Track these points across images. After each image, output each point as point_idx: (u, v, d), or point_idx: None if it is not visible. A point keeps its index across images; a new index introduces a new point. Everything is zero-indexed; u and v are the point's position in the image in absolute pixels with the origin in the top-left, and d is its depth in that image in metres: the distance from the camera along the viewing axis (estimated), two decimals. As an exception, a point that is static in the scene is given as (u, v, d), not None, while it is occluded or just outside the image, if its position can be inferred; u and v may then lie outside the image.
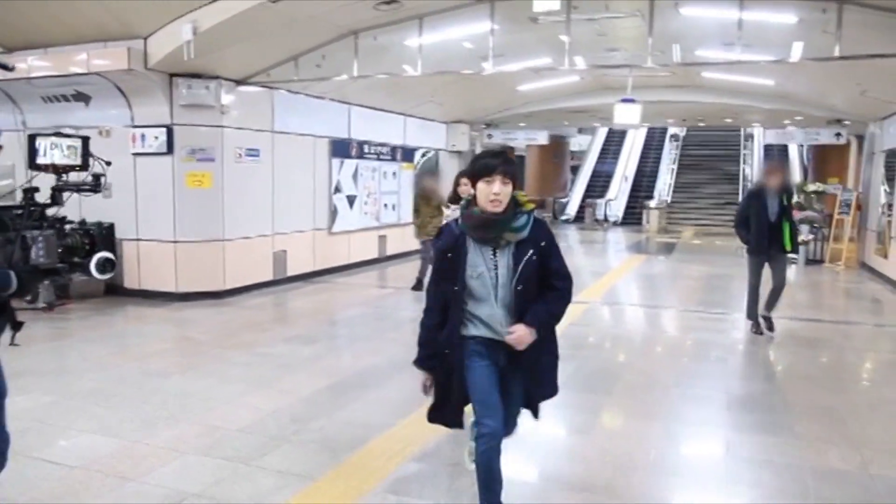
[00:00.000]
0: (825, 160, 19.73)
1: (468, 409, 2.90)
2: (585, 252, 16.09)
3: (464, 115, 14.59)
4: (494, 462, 2.79)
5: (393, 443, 4.05)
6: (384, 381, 5.38)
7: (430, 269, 3.48)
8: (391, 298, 9.45)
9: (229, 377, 5.42)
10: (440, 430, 3.02)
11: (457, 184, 6.90)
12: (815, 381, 5.65)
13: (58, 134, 6.30)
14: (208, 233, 8.59)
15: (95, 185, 6.81)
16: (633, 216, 22.72)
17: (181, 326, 7.45)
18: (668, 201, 22.98)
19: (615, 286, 10.87)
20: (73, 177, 7.03)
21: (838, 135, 14.19)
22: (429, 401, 3.00)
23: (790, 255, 7.08)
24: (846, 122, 13.88)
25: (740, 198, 19.80)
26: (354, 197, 11.44)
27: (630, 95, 10.31)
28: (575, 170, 27.01)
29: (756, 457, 3.96)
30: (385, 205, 12.45)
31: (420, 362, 2.94)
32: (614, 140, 26.43)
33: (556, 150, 24.80)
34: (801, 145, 21.77)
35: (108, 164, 6.85)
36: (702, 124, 20.69)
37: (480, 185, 2.72)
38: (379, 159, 12.14)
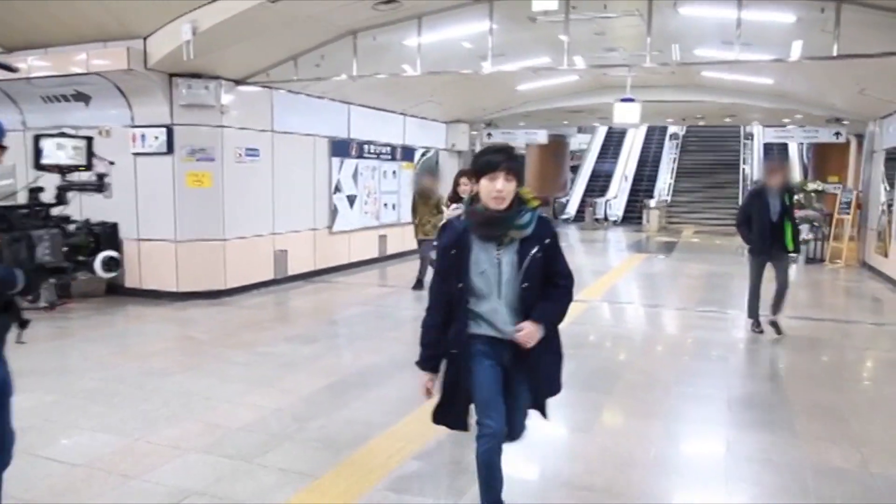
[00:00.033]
0: (825, 159, 19.75)
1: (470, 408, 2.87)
2: (586, 251, 16.08)
3: (463, 115, 14.59)
4: (495, 461, 2.78)
5: (394, 441, 4.06)
6: (385, 379, 5.39)
7: (429, 268, 3.48)
8: (391, 297, 9.45)
9: (230, 376, 5.43)
10: (441, 429, 3.01)
11: (456, 183, 6.85)
12: (816, 379, 5.66)
13: (63, 134, 6.33)
14: (209, 232, 8.60)
15: (100, 185, 6.84)
16: (633, 215, 22.73)
17: (182, 326, 7.46)
18: (668, 201, 22.99)
19: (615, 285, 10.87)
20: (77, 176, 7.04)
21: (837, 134, 14.19)
22: (430, 401, 2.95)
23: (791, 255, 7.08)
24: (845, 122, 13.89)
25: (740, 198, 19.88)
26: (354, 196, 11.44)
27: (629, 95, 10.33)
28: (575, 169, 27.00)
29: (756, 455, 3.96)
30: (385, 204, 12.46)
31: (423, 363, 2.87)
32: (614, 139, 26.43)
33: (555, 150, 24.79)
34: (801, 144, 21.78)
35: (112, 163, 6.86)
36: (701, 123, 20.69)
37: (484, 181, 2.67)
38: (379, 159, 12.15)
